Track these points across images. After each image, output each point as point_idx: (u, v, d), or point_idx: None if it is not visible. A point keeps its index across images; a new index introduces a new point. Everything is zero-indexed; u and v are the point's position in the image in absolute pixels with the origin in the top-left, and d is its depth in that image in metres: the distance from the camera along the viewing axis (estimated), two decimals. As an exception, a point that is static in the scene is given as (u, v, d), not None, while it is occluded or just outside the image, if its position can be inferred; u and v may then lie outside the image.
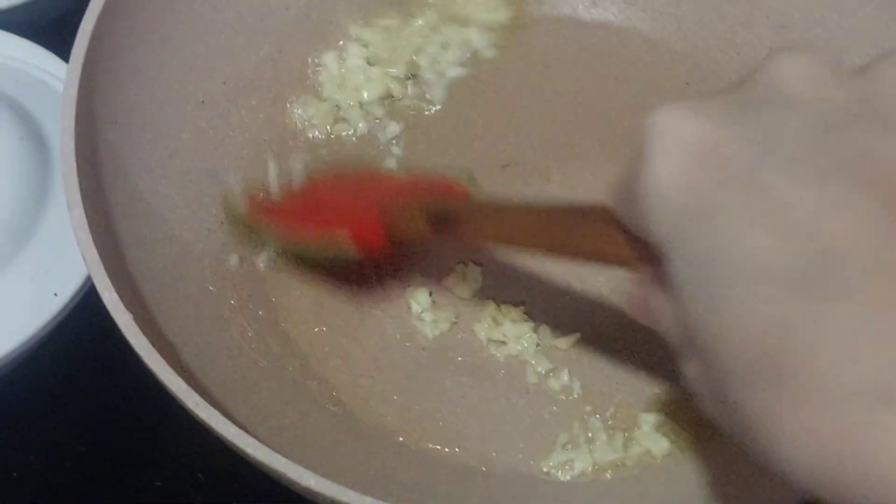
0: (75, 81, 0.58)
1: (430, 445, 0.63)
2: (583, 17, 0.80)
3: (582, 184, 0.72)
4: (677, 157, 0.37)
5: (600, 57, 0.78)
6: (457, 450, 0.63)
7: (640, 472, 0.62)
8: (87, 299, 0.66)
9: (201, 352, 0.60)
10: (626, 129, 0.74)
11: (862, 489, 0.31)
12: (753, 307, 0.34)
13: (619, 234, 0.42)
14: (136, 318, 0.52)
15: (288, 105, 0.74)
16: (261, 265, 0.68)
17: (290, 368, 0.65)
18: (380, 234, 0.58)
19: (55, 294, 0.66)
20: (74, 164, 0.56)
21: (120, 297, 0.53)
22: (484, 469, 0.63)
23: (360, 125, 0.74)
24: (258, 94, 0.73)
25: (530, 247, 0.52)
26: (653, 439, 0.63)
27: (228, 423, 0.50)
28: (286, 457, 0.49)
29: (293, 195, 0.68)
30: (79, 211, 0.55)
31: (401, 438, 0.64)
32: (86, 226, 0.54)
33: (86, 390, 0.71)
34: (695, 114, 0.37)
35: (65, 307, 0.66)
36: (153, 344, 0.52)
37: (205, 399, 0.51)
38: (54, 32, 0.77)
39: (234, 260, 0.67)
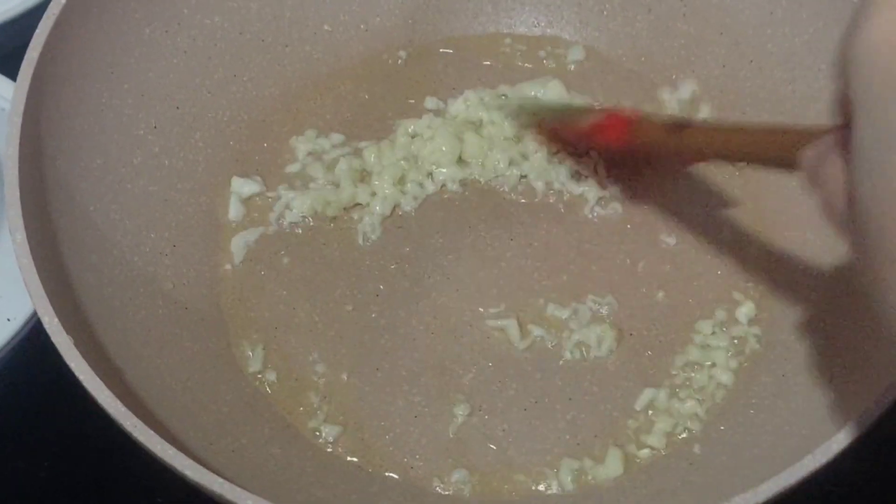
0: (20, 108, 0.59)
1: (383, 466, 0.64)
2: (535, 35, 0.81)
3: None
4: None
5: (556, 75, 0.78)
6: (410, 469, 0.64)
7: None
8: (42, 324, 0.66)
9: (150, 375, 0.60)
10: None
11: None
12: None
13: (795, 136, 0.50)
14: (77, 343, 0.53)
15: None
16: (213, 289, 0.69)
17: (241, 392, 0.65)
18: (626, 131, 0.67)
19: (8, 319, 0.67)
20: (18, 191, 0.56)
21: (63, 321, 0.53)
22: (438, 489, 0.63)
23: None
24: (212, 117, 0.73)
25: (734, 158, 0.63)
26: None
27: (167, 444, 0.50)
28: (231, 479, 0.50)
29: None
30: (21, 236, 0.55)
31: (353, 459, 0.64)
32: (28, 251, 0.55)
33: (43, 416, 0.71)
34: None
35: (18, 332, 0.67)
36: (95, 368, 0.52)
37: (149, 422, 0.51)
38: (16, 60, 0.77)
39: (185, 284, 0.68)
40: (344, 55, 0.79)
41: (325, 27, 0.78)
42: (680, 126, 0.64)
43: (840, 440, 0.49)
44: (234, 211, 0.72)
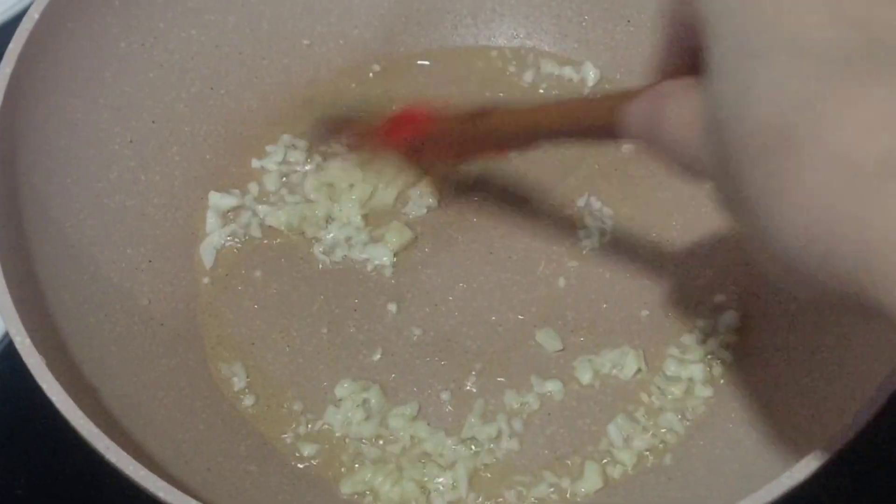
0: (-7, 124, 0.58)
1: (360, 485, 0.63)
2: (511, 46, 0.80)
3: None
4: None
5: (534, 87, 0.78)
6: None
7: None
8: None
9: (125, 393, 0.59)
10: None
11: (854, 249, 0.32)
12: (785, 81, 0.34)
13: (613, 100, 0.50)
14: (50, 362, 0.52)
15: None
16: (189, 304, 0.68)
17: (217, 410, 0.65)
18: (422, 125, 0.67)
19: (-17, 338, 0.66)
20: (-10, 208, 0.56)
21: (35, 340, 0.52)
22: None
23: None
24: (189, 131, 0.73)
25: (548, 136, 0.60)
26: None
27: (139, 465, 0.49)
28: (206, 499, 0.50)
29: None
30: (-7, 255, 0.54)
31: (330, 478, 0.63)
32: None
33: (21, 434, 0.70)
34: None
35: (-7, 350, 0.66)
36: (68, 388, 0.51)
37: (122, 442, 0.50)
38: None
39: (161, 299, 0.67)
40: (322, 68, 0.78)
41: (304, 41, 0.77)
42: (479, 114, 0.62)
43: (819, 456, 0.49)
44: (212, 225, 0.72)
